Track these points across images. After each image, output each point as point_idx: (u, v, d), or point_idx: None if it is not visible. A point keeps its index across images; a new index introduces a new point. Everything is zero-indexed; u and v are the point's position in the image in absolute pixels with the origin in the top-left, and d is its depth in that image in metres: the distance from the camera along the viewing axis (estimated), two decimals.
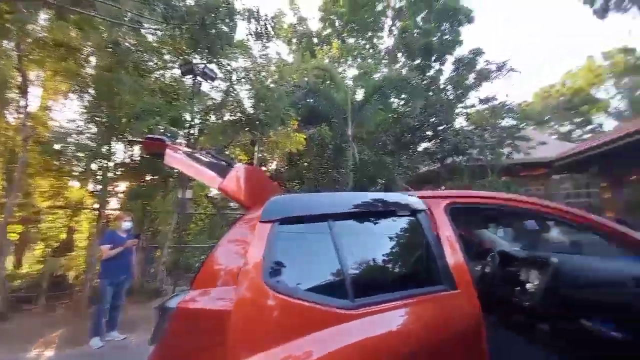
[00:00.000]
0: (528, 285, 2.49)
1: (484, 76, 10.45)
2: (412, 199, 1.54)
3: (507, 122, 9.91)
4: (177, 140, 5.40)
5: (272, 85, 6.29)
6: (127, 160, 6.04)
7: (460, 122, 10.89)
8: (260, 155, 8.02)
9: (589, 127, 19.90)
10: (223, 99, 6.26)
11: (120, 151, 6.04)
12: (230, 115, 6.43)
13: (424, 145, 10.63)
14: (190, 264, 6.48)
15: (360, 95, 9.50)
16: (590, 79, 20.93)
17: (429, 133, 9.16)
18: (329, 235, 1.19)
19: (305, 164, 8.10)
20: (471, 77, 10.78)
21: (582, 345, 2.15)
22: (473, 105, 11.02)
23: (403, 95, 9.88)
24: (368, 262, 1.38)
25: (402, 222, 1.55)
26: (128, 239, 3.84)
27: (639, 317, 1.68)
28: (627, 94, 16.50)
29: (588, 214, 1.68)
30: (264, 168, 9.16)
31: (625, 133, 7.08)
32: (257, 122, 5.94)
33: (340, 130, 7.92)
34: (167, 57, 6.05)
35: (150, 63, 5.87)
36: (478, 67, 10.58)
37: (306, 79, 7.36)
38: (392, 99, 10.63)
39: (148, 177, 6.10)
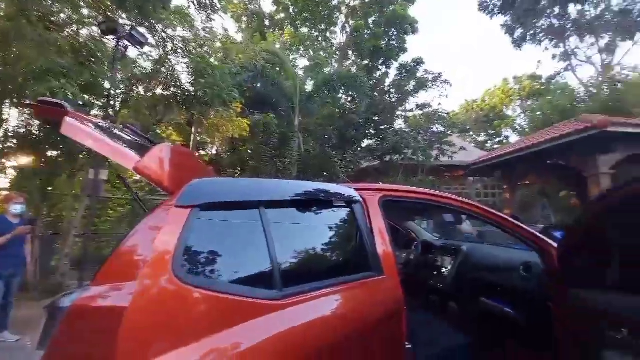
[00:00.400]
0: (443, 270, 2.83)
1: (422, 84, 11.46)
2: (349, 191, 1.58)
3: (437, 128, 11.08)
4: (92, 111, 4.59)
5: (215, 62, 5.75)
6: (22, 130, 4.92)
7: (399, 124, 11.81)
8: (198, 137, 7.37)
9: (498, 139, 23.52)
10: (155, 70, 5.49)
11: (13, 118, 4.90)
12: (163, 89, 5.69)
13: (366, 142, 11.22)
14: (104, 255, 5.62)
15: (309, 86, 9.46)
16: (503, 98, 24.72)
17: (372, 131, 9.69)
18: (258, 223, 1.12)
19: (249, 151, 7.75)
20: (412, 84, 11.71)
21: (484, 321, 2.52)
22: (412, 110, 12.04)
23: (351, 93, 10.18)
24: (299, 251, 1.35)
25: (337, 213, 1.59)
26: (19, 225, 3.23)
27: (527, 297, 2.02)
28: (529, 114, 19.95)
29: (492, 210, 1.94)
30: (202, 152, 8.47)
31: (518, 148, 8.63)
32: (195, 100, 5.38)
33: (286, 119, 7.76)
34: (85, 11, 5.04)
35: (63, 15, 4.83)
36: (418, 75, 11.53)
37: (254, 61, 6.97)
38: (340, 95, 10.88)
39: (50, 152, 5.05)
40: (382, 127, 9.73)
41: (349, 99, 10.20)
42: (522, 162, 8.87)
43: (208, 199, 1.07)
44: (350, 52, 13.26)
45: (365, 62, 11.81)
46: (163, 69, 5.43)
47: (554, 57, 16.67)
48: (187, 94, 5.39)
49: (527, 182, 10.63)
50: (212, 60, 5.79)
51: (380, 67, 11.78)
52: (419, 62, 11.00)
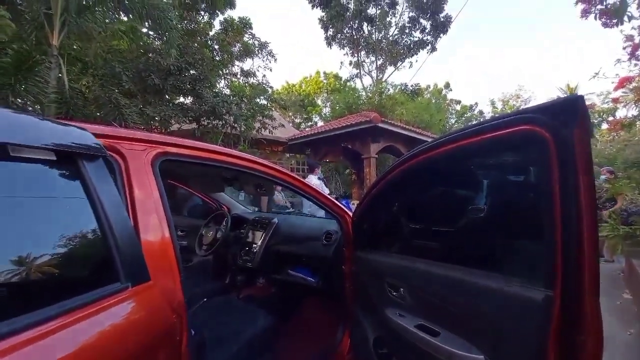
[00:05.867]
0: (254, 246, 2.57)
1: (248, 49, 10.90)
2: (80, 136, 0.84)
3: (260, 100, 11.06)
4: None
5: None
6: None
7: (222, 86, 10.76)
8: None
9: (310, 123, 27.50)
10: None
11: None
12: None
13: (181, 101, 9.40)
14: None
15: None
16: (315, 89, 28.90)
17: (187, 86, 8.06)
18: None
19: None
20: (238, 46, 10.89)
21: (287, 293, 2.47)
22: (236, 74, 11.27)
23: (161, 31, 7.91)
24: None
25: (46, 174, 0.81)
26: None
27: (326, 263, 2.07)
28: (330, 106, 24.43)
29: (301, 179, 1.82)
30: None
31: (321, 131, 10.44)
32: None
33: (35, 30, 4.70)
34: None
35: None
36: (245, 38, 10.83)
37: None
38: (145, 30, 8.26)
39: None
40: (201, 86, 8.26)
41: (157, 37, 7.90)
42: (324, 143, 10.71)
43: None
44: None
45: None
46: None
47: (350, 63, 21.02)
48: None
49: (327, 159, 12.96)
50: None
51: (202, 11, 9.98)
52: (246, 22, 10.26)
